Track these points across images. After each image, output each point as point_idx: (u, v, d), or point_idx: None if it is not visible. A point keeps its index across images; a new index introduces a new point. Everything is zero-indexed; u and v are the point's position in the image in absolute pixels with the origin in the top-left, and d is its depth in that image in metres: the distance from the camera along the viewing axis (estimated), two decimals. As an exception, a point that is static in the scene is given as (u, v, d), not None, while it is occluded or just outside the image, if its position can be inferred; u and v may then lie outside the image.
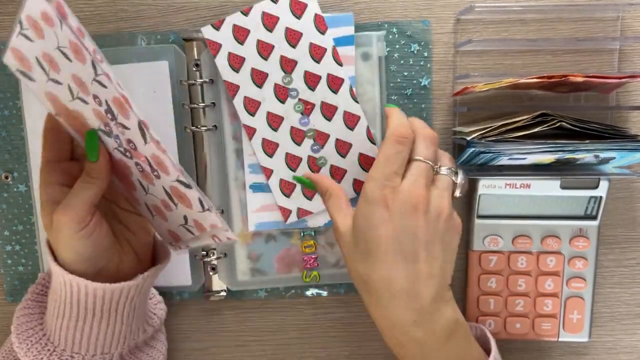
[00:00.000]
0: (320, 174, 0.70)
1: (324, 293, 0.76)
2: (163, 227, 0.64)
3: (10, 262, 0.76)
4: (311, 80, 0.69)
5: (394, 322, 0.59)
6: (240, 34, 0.68)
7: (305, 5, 0.68)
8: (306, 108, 0.70)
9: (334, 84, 0.69)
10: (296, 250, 0.74)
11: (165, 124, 0.71)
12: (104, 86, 0.50)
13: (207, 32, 0.68)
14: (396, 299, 0.58)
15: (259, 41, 0.68)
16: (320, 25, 0.68)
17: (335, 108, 0.70)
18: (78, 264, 0.58)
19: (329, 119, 0.70)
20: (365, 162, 0.71)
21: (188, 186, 0.54)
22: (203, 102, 0.71)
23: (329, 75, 0.69)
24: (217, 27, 0.68)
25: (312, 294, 0.76)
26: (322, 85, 0.69)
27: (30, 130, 0.73)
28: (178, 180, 0.54)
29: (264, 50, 0.69)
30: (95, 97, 0.52)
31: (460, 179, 0.61)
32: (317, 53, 0.69)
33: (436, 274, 0.58)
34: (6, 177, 0.74)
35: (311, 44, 0.68)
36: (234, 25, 0.68)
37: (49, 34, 0.48)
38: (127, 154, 0.57)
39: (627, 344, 0.76)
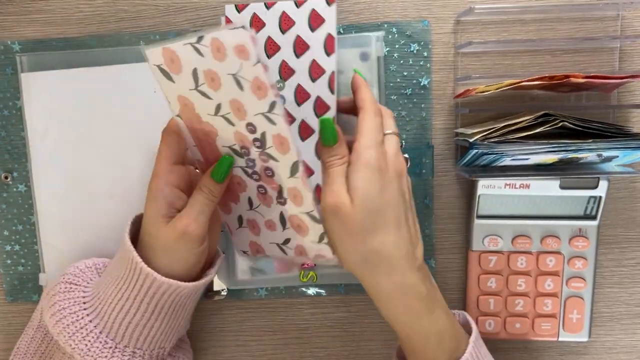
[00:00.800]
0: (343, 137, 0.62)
1: (324, 292, 0.76)
2: (246, 238, 0.68)
3: (10, 262, 0.76)
4: (300, 96, 0.68)
5: (404, 285, 0.59)
6: (256, 25, 0.67)
7: (323, 21, 0.66)
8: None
9: (320, 108, 0.68)
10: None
11: (165, 123, 0.70)
12: (273, 123, 0.54)
13: (229, 11, 0.67)
14: (404, 262, 0.58)
15: (269, 38, 0.68)
16: (329, 46, 0.66)
17: (312, 132, 0.68)
18: (165, 269, 0.60)
19: (303, 139, 0.69)
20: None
21: (317, 220, 0.59)
22: None
23: (318, 98, 0.67)
24: (239, 10, 0.67)
25: (313, 293, 0.76)
26: (309, 105, 0.68)
27: (31, 130, 0.73)
28: (309, 214, 0.60)
29: (270, 48, 0.68)
30: (250, 125, 0.55)
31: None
32: (315, 72, 0.68)
33: (418, 232, 0.62)
34: (6, 177, 0.74)
35: (313, 61, 0.68)
36: (254, 14, 0.67)
37: (232, 61, 0.51)
38: (255, 176, 0.61)
39: (626, 344, 0.76)
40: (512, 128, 0.63)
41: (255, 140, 0.57)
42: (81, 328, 0.61)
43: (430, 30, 0.71)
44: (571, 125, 0.62)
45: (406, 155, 0.67)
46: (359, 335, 0.77)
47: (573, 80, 0.61)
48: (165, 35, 0.72)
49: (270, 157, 0.58)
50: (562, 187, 0.68)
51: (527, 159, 0.64)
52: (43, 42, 0.73)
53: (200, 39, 0.51)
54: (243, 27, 0.50)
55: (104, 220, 0.73)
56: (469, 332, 0.64)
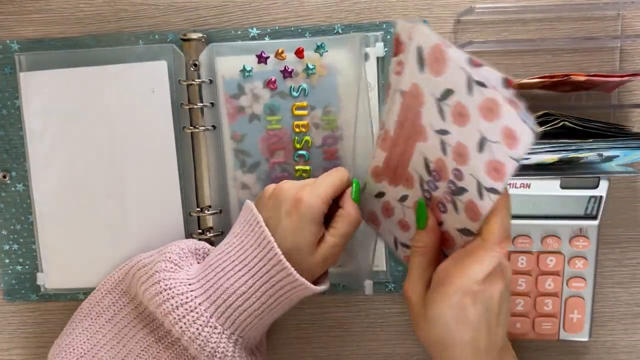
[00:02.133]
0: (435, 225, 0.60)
1: (325, 292, 0.76)
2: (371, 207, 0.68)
3: (8, 261, 0.76)
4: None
5: None
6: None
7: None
8: None
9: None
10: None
11: (163, 123, 0.71)
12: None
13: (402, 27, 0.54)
14: None
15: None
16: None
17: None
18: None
19: None
20: None
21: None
22: (202, 102, 0.71)
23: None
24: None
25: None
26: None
27: (29, 129, 0.73)
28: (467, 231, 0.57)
29: None
30: (457, 170, 0.54)
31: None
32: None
33: (502, 331, 0.59)
34: (4, 177, 0.74)
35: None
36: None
37: (498, 118, 0.48)
38: (426, 194, 0.60)
39: (627, 344, 0.76)
40: (513, 127, 0.63)
41: (456, 178, 0.55)
42: (191, 311, 0.60)
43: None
44: (571, 125, 0.62)
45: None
46: (359, 335, 0.77)
47: (574, 78, 0.61)
48: (164, 35, 0.72)
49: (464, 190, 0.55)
50: (562, 187, 0.68)
51: (527, 158, 0.64)
52: (42, 42, 0.73)
53: (479, 83, 0.47)
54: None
55: (103, 220, 0.73)
56: None
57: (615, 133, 0.62)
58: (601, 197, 0.68)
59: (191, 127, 0.71)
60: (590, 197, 0.69)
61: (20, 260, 0.76)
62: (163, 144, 0.71)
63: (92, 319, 0.68)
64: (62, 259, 0.75)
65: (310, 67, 0.70)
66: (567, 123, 0.61)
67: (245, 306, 0.61)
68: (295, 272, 0.60)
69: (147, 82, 0.71)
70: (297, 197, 0.62)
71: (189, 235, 0.73)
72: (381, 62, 0.71)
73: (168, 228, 0.73)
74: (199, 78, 0.71)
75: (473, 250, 0.54)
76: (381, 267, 0.75)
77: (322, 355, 0.78)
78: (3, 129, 0.74)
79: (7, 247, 0.76)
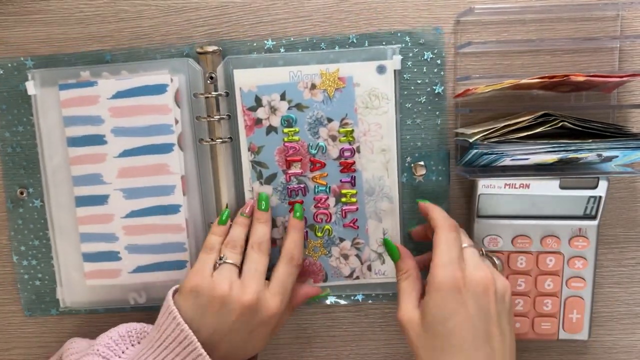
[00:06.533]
0: (407, 251, 0.69)
1: (342, 302, 0.76)
2: None
3: (27, 277, 0.76)
4: None
5: None
6: None
7: None
8: None
9: None
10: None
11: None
12: None
13: None
14: None
15: None
16: None
17: None
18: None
19: None
20: None
21: None
22: (219, 114, 0.71)
23: None
24: None
25: (331, 302, 0.76)
26: None
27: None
28: None
29: None
30: None
31: (497, 262, 0.68)
32: None
33: (507, 348, 0.61)
34: (21, 193, 0.75)
35: None
36: None
37: None
38: None
39: (626, 344, 0.76)
40: (512, 128, 0.63)
41: None
42: None
43: (443, 37, 0.71)
44: (571, 125, 0.62)
45: (496, 260, 0.68)
46: (359, 335, 0.77)
47: (573, 79, 0.61)
48: (180, 48, 0.72)
49: None
50: (561, 187, 0.68)
51: (527, 159, 0.64)
52: (56, 58, 0.73)
53: None
54: None
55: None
56: None
57: (615, 133, 0.63)
58: (600, 197, 0.68)
59: (209, 140, 0.71)
60: (590, 197, 0.69)
61: (39, 275, 0.76)
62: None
63: None
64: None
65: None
66: (566, 123, 0.62)
67: None
68: None
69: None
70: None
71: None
72: (398, 74, 0.71)
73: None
74: (215, 91, 0.71)
75: (435, 243, 0.63)
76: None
77: (322, 355, 0.78)
78: (19, 145, 0.74)
79: (25, 262, 0.76)
